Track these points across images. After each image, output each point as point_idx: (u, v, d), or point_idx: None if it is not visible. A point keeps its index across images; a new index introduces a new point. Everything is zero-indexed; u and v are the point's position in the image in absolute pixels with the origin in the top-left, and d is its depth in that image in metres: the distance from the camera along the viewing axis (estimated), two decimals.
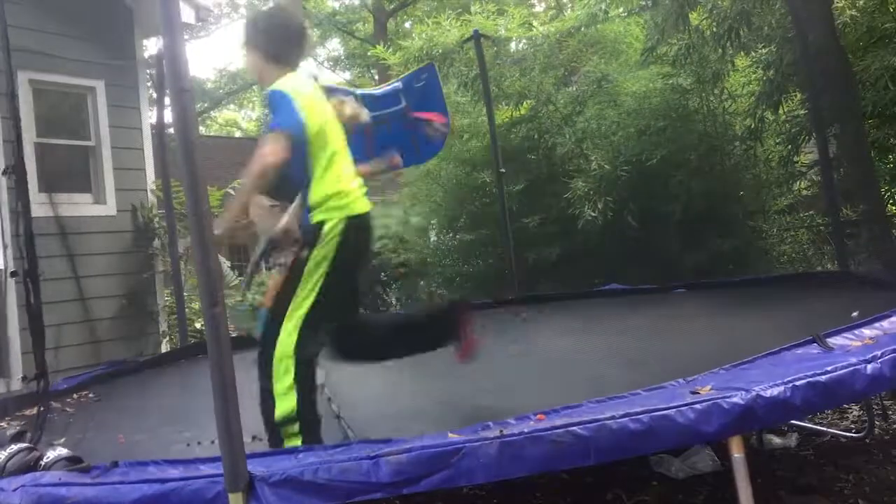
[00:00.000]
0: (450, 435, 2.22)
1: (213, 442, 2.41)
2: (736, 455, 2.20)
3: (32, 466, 2.46)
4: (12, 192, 3.72)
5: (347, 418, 3.11)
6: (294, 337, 2.63)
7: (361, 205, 2.84)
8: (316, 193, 2.75)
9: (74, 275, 6.16)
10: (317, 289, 2.68)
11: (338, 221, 2.72)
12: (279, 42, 2.87)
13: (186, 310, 6.13)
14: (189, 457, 2.48)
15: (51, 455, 2.50)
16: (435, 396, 3.44)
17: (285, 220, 2.92)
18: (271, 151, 2.63)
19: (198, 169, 2.09)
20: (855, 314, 3.08)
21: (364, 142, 5.60)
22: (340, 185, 2.78)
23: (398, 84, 5.79)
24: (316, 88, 2.92)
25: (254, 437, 2.84)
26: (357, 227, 2.78)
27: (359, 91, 6.02)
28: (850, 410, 4.45)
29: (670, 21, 5.72)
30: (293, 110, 2.68)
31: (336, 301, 2.75)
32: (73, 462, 2.48)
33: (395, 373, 4.20)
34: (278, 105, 2.70)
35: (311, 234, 2.71)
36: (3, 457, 2.48)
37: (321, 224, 2.71)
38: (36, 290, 3.43)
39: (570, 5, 14.69)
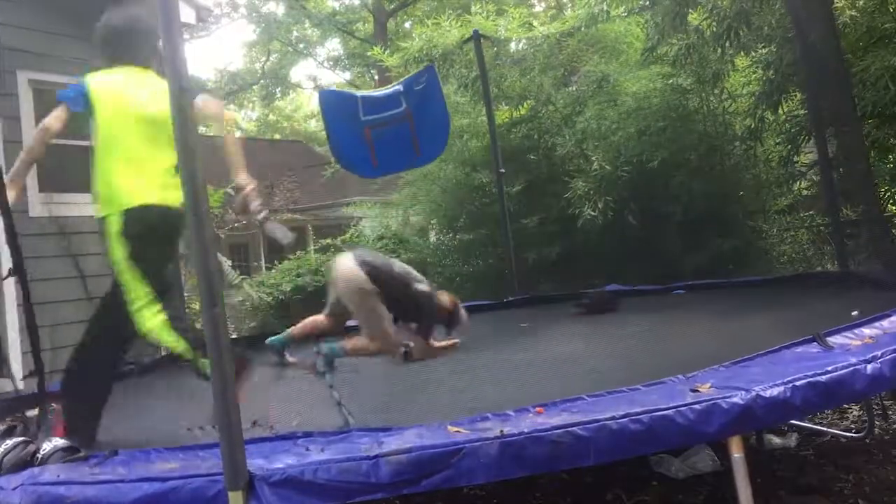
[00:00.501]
0: (449, 427, 2.23)
1: (214, 426, 2.41)
2: (736, 455, 2.20)
3: (29, 461, 2.45)
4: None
5: (348, 405, 3.11)
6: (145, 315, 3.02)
7: (147, 196, 2.91)
8: (96, 187, 2.94)
9: (74, 275, 6.15)
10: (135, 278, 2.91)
11: (115, 216, 2.86)
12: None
13: (186, 310, 6.13)
14: (190, 444, 2.49)
15: (47, 447, 2.49)
16: (435, 387, 3.44)
17: None
18: (52, 115, 2.89)
19: (198, 169, 2.10)
20: (855, 313, 3.08)
21: (365, 145, 5.63)
22: (117, 178, 2.90)
23: (399, 87, 5.80)
24: (136, 84, 3.07)
25: (254, 423, 2.85)
26: (141, 218, 2.87)
27: (359, 93, 6.03)
28: (850, 410, 4.45)
29: (669, 20, 5.72)
30: (80, 92, 2.95)
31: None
32: (70, 452, 2.47)
33: (397, 364, 4.20)
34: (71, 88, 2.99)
35: (100, 231, 2.93)
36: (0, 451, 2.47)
37: (101, 220, 2.91)
38: (25, 287, 3.42)
39: (569, 5, 14.68)
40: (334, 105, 5.76)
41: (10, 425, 2.84)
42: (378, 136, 5.61)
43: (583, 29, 6.98)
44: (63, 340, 5.67)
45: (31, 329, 3.43)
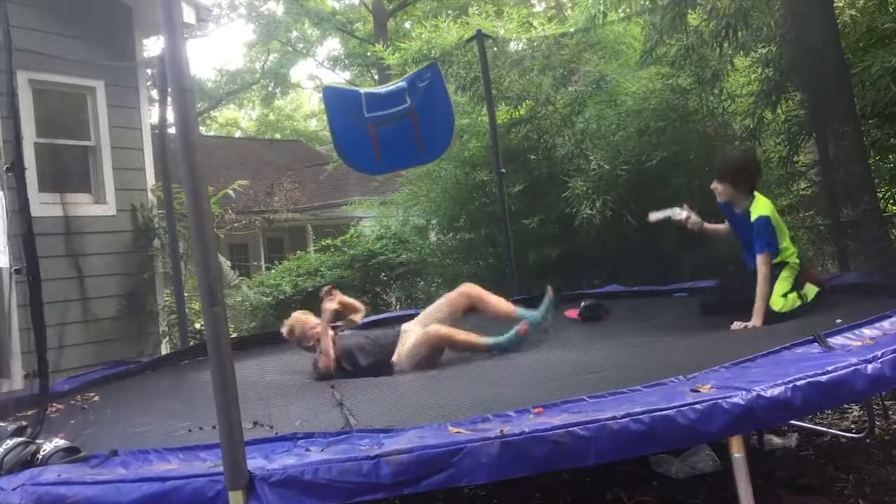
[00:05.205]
0: (449, 427, 2.23)
1: (214, 427, 2.41)
2: (736, 455, 2.20)
3: (30, 460, 2.45)
4: (12, 191, 3.72)
5: (350, 406, 3.11)
6: None
7: None
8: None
9: (74, 275, 6.16)
10: None
11: None
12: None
13: (186, 310, 6.13)
14: (190, 444, 2.49)
15: (48, 448, 2.49)
16: (436, 387, 3.44)
17: None
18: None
19: (198, 169, 2.10)
20: (839, 321, 3.08)
21: (368, 141, 5.62)
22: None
23: (403, 83, 5.79)
24: None
25: (255, 423, 2.85)
26: None
27: (363, 90, 6.02)
28: (850, 410, 4.46)
29: (668, 21, 5.72)
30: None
31: None
32: (70, 453, 2.47)
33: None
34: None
35: None
36: (0, 451, 2.47)
37: None
38: (37, 287, 3.44)
39: (569, 5, 14.70)
40: (338, 101, 5.75)
41: (19, 426, 2.84)
42: (381, 133, 5.61)
43: (584, 31, 6.98)
44: (58, 342, 5.70)
45: (37, 329, 3.44)
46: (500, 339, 4.05)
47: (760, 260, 3.85)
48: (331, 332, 4.22)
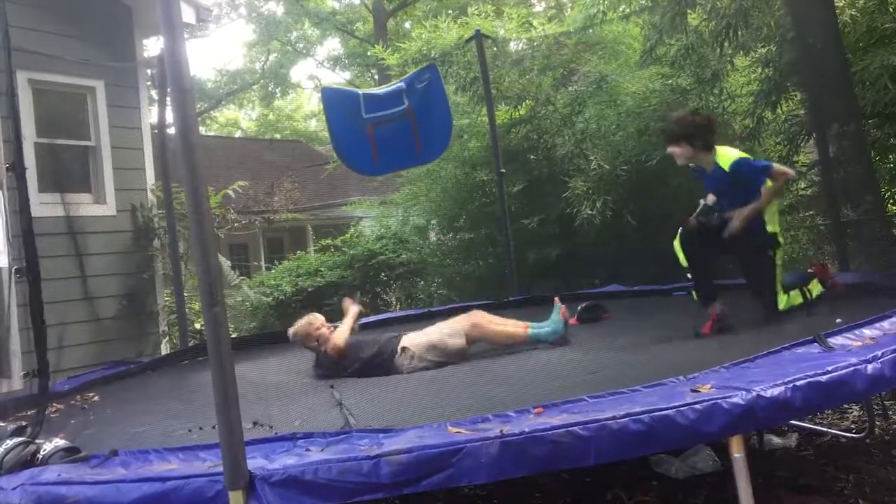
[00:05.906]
0: (449, 427, 2.23)
1: (214, 427, 2.41)
2: (736, 455, 2.21)
3: (30, 460, 2.46)
4: (12, 191, 3.73)
5: (349, 406, 3.11)
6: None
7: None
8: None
9: (75, 275, 6.16)
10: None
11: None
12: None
13: (186, 310, 6.13)
14: (189, 444, 2.49)
15: (48, 448, 2.49)
16: (436, 387, 3.44)
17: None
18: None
19: (198, 169, 2.10)
20: (839, 321, 3.08)
21: (367, 142, 5.62)
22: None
23: (401, 84, 5.79)
24: None
25: (255, 423, 2.84)
26: None
27: (362, 91, 6.02)
28: (850, 410, 4.45)
29: (668, 20, 5.72)
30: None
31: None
32: (70, 453, 2.47)
33: None
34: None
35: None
36: (0, 451, 2.47)
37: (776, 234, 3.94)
38: (36, 287, 3.44)
39: (569, 5, 14.70)
40: (336, 102, 5.75)
41: (19, 426, 2.84)
42: (380, 133, 5.61)
43: (582, 31, 6.98)
44: (58, 342, 5.70)
45: (37, 329, 3.45)
46: (542, 328, 4.05)
47: (775, 171, 3.77)
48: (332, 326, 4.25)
